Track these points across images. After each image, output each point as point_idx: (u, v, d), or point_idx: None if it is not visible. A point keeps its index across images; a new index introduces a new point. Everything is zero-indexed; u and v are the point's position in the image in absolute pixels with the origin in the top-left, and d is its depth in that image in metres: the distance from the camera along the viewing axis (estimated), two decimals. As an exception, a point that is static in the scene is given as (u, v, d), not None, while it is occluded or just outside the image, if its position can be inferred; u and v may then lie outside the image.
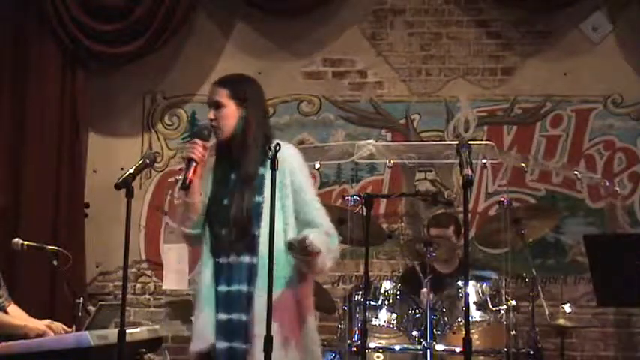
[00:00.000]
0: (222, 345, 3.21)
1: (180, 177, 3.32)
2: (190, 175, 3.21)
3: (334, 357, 4.63)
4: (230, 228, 3.25)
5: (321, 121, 5.96)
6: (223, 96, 3.33)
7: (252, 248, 3.22)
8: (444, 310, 4.58)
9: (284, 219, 3.24)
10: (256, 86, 3.44)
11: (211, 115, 3.34)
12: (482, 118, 5.89)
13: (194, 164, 3.23)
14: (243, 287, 3.22)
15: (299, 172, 3.32)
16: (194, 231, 3.35)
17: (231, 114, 3.32)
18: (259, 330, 3.06)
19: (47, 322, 4.11)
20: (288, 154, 3.29)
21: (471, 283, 4.56)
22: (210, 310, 3.23)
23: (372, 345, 4.43)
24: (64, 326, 4.14)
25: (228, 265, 3.25)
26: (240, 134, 3.31)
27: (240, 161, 3.29)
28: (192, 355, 3.25)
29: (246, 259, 3.23)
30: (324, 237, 3.21)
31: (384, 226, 5.69)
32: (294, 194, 3.28)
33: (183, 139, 6.07)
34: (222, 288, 3.25)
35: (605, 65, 5.80)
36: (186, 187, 3.23)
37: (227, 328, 3.21)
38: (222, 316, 3.23)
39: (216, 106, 3.33)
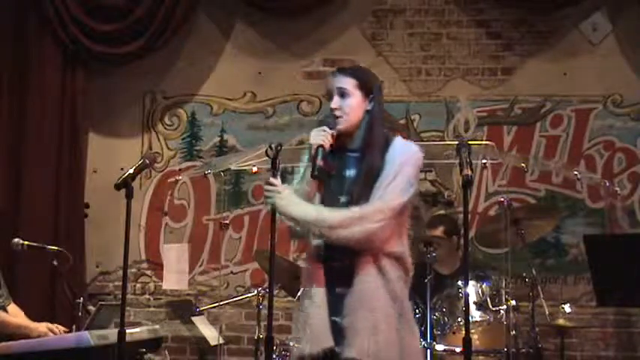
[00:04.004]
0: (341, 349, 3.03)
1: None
2: (320, 162, 3.04)
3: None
4: None
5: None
6: (350, 85, 3.15)
7: None
8: (444, 310, 4.58)
9: None
10: (379, 81, 3.29)
11: (335, 103, 3.15)
12: (483, 118, 5.88)
13: (323, 151, 3.06)
14: None
15: (394, 164, 3.07)
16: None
17: (357, 105, 3.15)
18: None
19: (50, 325, 4.10)
20: (400, 150, 3.12)
21: (471, 283, 4.56)
22: (324, 313, 3.04)
23: (372, 345, 4.42)
24: (64, 328, 4.14)
25: (348, 267, 3.03)
26: (365, 128, 3.15)
27: (363, 157, 3.12)
28: (300, 358, 3.05)
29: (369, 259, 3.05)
30: (313, 211, 3.03)
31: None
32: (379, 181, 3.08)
33: (183, 138, 6.10)
34: (340, 290, 3.05)
35: (605, 65, 5.80)
36: (317, 175, 3.04)
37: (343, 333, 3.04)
38: (342, 320, 3.04)
39: (342, 94, 3.15)
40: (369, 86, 3.18)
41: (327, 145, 3.07)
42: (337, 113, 3.14)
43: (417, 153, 3.14)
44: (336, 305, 3.03)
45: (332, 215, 3.01)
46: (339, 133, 3.14)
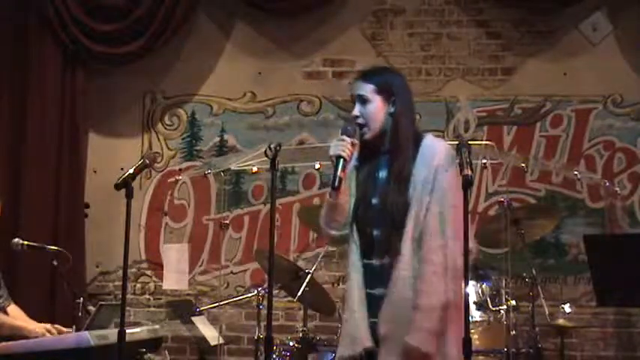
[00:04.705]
0: None
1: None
2: (340, 173, 3.03)
3: (334, 357, 4.62)
4: (385, 229, 3.06)
5: (321, 121, 5.97)
6: (369, 91, 3.13)
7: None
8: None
9: (416, 218, 3.03)
10: (402, 79, 3.23)
11: (356, 111, 3.13)
12: (482, 118, 5.88)
13: (343, 162, 3.04)
14: None
15: (427, 167, 3.06)
16: (341, 233, 3.16)
17: (378, 110, 3.12)
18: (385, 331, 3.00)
19: (47, 325, 4.10)
20: (430, 151, 3.10)
21: (471, 283, 4.56)
22: (363, 314, 3.05)
23: (372, 345, 4.42)
24: (63, 328, 4.13)
25: (382, 267, 3.06)
26: (391, 131, 3.12)
27: (392, 159, 3.10)
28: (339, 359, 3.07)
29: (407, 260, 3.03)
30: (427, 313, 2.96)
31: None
32: (436, 194, 3.04)
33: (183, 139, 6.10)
34: (379, 291, 3.05)
35: (605, 65, 5.79)
36: (337, 186, 3.03)
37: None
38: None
39: (362, 101, 3.13)
40: (388, 89, 3.14)
41: (347, 155, 3.06)
42: (359, 121, 3.13)
43: (448, 151, 3.12)
44: (373, 307, 3.04)
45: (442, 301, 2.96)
46: (366, 139, 3.13)
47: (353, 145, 3.08)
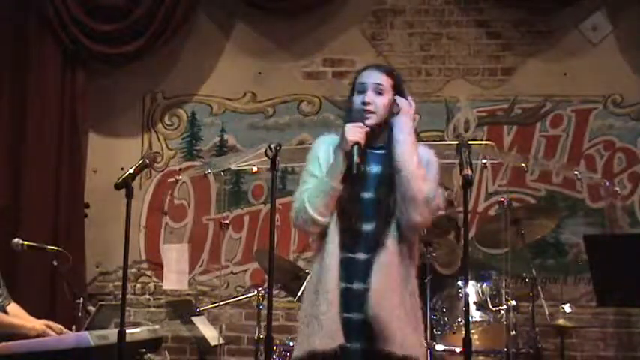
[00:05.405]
0: (356, 346, 2.99)
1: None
2: (357, 159, 2.97)
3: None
4: (379, 223, 3.02)
5: (321, 121, 5.96)
6: (387, 83, 3.13)
7: None
8: (444, 310, 4.58)
9: None
10: (406, 88, 3.26)
11: (369, 98, 3.10)
12: (482, 118, 5.89)
13: (358, 148, 2.99)
14: None
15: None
16: (327, 220, 3.06)
17: (387, 104, 3.11)
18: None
19: (44, 321, 4.09)
20: (434, 161, 3.17)
21: (471, 283, 4.56)
22: (337, 308, 2.98)
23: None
24: (62, 327, 4.13)
25: (367, 262, 3.01)
26: (392, 129, 3.10)
27: (391, 157, 3.07)
28: (310, 354, 2.99)
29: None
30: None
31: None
32: None
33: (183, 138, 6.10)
34: (358, 285, 3.00)
35: (605, 65, 5.80)
36: (356, 173, 2.98)
37: (364, 328, 2.99)
38: (358, 316, 3.00)
39: (378, 91, 3.11)
40: (400, 88, 3.16)
41: (362, 142, 3.02)
42: (370, 108, 3.09)
43: (436, 159, 3.17)
44: (349, 301, 3.00)
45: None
46: (369, 127, 3.09)
47: (366, 134, 3.05)
